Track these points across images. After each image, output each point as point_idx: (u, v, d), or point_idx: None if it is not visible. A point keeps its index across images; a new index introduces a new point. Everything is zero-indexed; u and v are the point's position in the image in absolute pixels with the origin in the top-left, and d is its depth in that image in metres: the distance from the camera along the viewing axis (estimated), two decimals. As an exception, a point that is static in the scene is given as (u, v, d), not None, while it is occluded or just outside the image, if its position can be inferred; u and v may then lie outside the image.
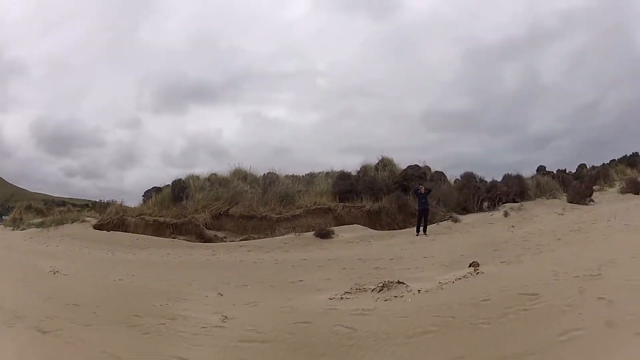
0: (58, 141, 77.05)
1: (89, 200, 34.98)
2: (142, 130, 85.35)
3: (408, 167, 29.71)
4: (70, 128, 79.10)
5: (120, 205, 27.69)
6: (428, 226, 22.33)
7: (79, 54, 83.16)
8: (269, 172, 29.51)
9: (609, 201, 27.59)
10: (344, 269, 14.16)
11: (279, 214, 25.94)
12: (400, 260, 15.04)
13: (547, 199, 28.11)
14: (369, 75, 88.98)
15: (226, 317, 8.56)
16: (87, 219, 26.94)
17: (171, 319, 8.48)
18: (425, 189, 23.18)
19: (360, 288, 10.32)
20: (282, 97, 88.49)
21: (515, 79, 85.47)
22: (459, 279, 10.38)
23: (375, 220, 25.47)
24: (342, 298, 9.70)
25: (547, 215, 23.44)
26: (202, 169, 30.28)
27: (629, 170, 39.67)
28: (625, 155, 45.19)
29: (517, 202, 26.69)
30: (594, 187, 30.05)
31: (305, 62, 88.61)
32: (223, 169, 29.89)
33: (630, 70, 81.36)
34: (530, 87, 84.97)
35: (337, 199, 26.91)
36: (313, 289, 11.17)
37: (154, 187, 30.14)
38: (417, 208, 22.85)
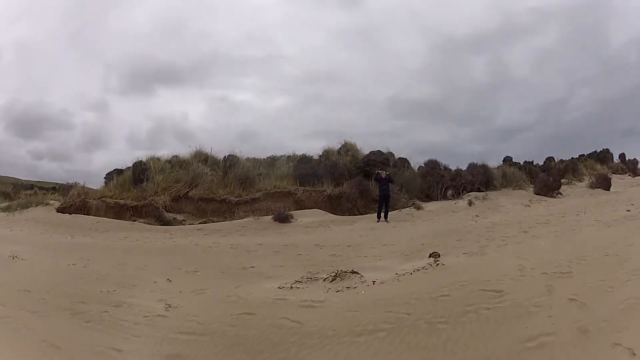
0: (26, 124, 74.53)
1: (57, 183, 33.43)
2: (109, 112, 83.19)
3: (370, 152, 28.86)
4: (39, 111, 76.81)
5: (82, 187, 26.25)
6: (389, 212, 21.59)
7: (47, 37, 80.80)
8: (229, 155, 28.45)
9: (577, 195, 27.17)
10: (299, 255, 13.47)
11: (238, 197, 25.05)
12: (359, 247, 14.28)
13: (513, 189, 27.54)
14: (337, 62, 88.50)
15: (170, 306, 8.24)
16: (51, 202, 26.11)
17: (116, 306, 8.23)
18: (386, 174, 22.31)
19: (313, 277, 9.69)
20: (249, 82, 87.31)
21: (484, 71, 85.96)
22: (418, 270, 9.64)
23: (336, 205, 24.69)
24: (292, 287, 9.15)
25: (513, 206, 22.82)
26: (168, 152, 28.78)
27: (598, 166, 40.22)
28: (595, 151, 44.63)
29: (482, 191, 26.00)
30: (562, 181, 29.53)
31: (273, 47, 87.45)
32: (186, 151, 28.99)
33: (604, 69, 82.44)
34: (498, 80, 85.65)
35: (297, 182, 26.07)
36: (265, 276, 10.62)
37: (116, 169, 29.16)
38: (378, 194, 22.13)
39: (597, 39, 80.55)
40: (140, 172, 25.79)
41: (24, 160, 65.36)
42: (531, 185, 28.32)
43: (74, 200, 24.42)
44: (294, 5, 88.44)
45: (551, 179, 28.03)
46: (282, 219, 21.34)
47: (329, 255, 13.17)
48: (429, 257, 10.64)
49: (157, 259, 13.35)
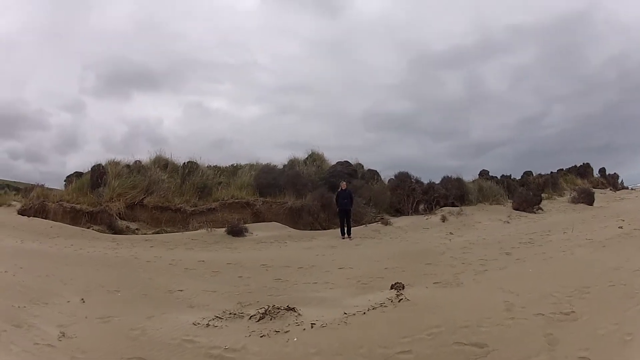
0: (3, 122, 72.34)
1: (30, 185, 31.63)
2: (85, 114, 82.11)
3: (337, 163, 27.23)
4: (16, 108, 74.67)
5: (42, 190, 25.66)
6: (353, 228, 19.59)
7: (25, 35, 78.64)
8: (189, 161, 26.82)
9: (559, 210, 25.64)
10: (239, 277, 11.57)
11: (194, 207, 23.55)
12: (311, 269, 12.31)
13: (490, 204, 25.99)
14: (312, 73, 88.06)
15: (64, 335, 6.79)
16: (14, 203, 25.47)
17: (16, 326, 6.98)
18: (345, 186, 20.35)
19: (239, 312, 7.64)
20: (224, 88, 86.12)
21: (460, 87, 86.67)
22: (374, 307, 7.45)
23: (297, 219, 22.81)
24: (208, 325, 7.13)
25: (491, 223, 21.04)
26: (142, 157, 27.56)
27: (579, 180, 39.57)
28: (575, 166, 43.91)
29: (457, 206, 24.33)
30: (542, 195, 28.19)
31: (248, 54, 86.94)
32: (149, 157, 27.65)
33: (579, 89, 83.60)
34: (473, 96, 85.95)
35: (257, 193, 24.41)
36: (187, 304, 8.94)
37: (76, 172, 28.40)
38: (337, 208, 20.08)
39: (575, 57, 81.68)
40: (98, 176, 24.85)
41: (0, 159, 62.81)
42: (509, 200, 26.85)
43: (33, 203, 23.64)
44: (272, 12, 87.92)
45: (531, 193, 26.62)
46: (236, 232, 19.57)
47: (274, 279, 11.18)
48: (391, 288, 8.46)
49: (87, 272, 11.83)
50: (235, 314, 7.49)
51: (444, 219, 21.58)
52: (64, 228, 20.13)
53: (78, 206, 23.04)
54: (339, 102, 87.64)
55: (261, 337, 6.54)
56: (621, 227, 15.22)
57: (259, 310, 7.37)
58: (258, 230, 20.25)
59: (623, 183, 43.22)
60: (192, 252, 16.07)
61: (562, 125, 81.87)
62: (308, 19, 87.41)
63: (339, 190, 20.06)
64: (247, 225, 20.72)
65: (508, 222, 21.08)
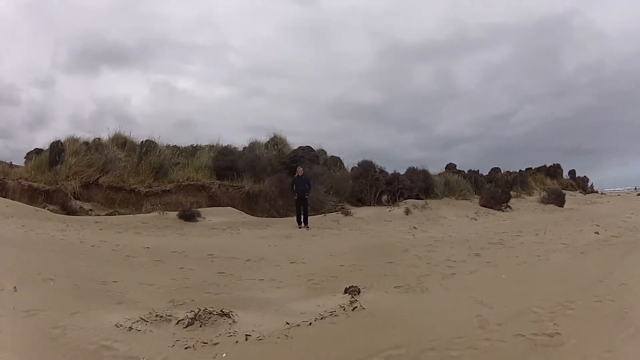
0: None
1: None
2: (54, 90, 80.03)
3: (299, 147, 25.99)
4: None
5: (1, 167, 24.82)
6: (311, 217, 18.63)
7: (1, 8, 75.84)
8: (146, 140, 25.56)
9: (528, 210, 24.92)
10: (180, 269, 10.32)
11: (148, 188, 22.48)
12: (259, 263, 11.07)
13: (457, 199, 25.21)
14: (283, 57, 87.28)
15: None
16: None
17: None
18: (302, 172, 19.24)
19: (167, 314, 6.51)
20: (193, 69, 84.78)
21: (429, 80, 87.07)
22: (322, 317, 6.31)
23: (254, 204, 21.76)
24: (131, 328, 6.07)
25: (457, 219, 20.12)
26: (102, 135, 26.40)
27: (548, 181, 39.32)
28: (545, 165, 43.57)
29: (422, 199, 23.43)
30: (511, 193, 27.25)
31: (220, 36, 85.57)
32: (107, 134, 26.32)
33: (553, 90, 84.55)
34: (443, 90, 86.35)
35: (215, 176, 23.29)
36: (117, 300, 7.69)
37: (36, 149, 27.19)
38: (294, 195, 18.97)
39: (550, 60, 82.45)
40: (56, 153, 23.61)
41: None
42: (476, 196, 26.10)
43: None
44: None
45: (499, 190, 25.92)
46: (188, 216, 18.45)
47: (217, 273, 9.91)
48: (345, 292, 7.34)
49: (29, 256, 10.60)
50: (162, 317, 6.40)
51: (407, 212, 20.64)
52: (19, 207, 18.84)
53: (35, 184, 22.17)
54: (309, 88, 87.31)
55: (186, 348, 5.50)
56: (597, 233, 14.61)
57: (188, 315, 6.28)
58: (212, 215, 19.18)
59: (593, 187, 42.82)
60: (140, 237, 14.96)
61: (531, 125, 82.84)
62: (284, 2, 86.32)
63: (296, 176, 18.97)
64: (200, 209, 19.70)
65: (475, 219, 20.22)
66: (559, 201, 27.00)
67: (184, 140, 28.61)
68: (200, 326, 6.01)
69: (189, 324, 6.06)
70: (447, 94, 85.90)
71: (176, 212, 18.81)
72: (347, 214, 20.05)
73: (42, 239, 13.04)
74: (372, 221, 19.02)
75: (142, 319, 6.31)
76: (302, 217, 17.99)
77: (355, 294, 7.12)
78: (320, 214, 20.04)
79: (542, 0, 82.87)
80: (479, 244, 13.18)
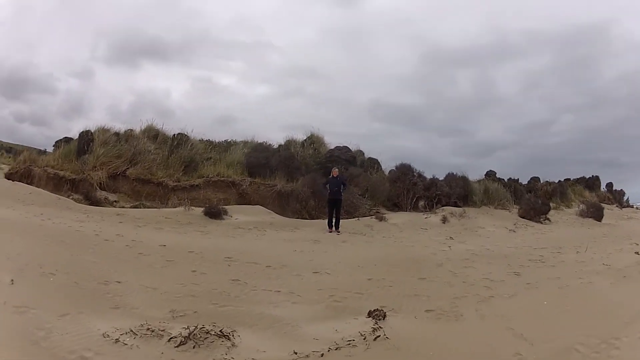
0: (12, 84, 71.79)
1: (34, 149, 30.84)
2: (93, 81, 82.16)
3: (335, 147, 25.17)
4: (25, 72, 73.79)
5: (29, 154, 24.27)
6: (344, 221, 17.75)
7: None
8: (179, 133, 24.95)
9: (566, 223, 23.77)
10: (192, 272, 9.60)
11: (176, 182, 21.88)
12: (280, 271, 10.27)
13: (495, 208, 24.16)
14: (324, 59, 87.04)
15: None
16: (2, 166, 24.91)
17: None
18: (337, 173, 18.25)
19: (157, 330, 5.78)
20: (235, 66, 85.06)
21: (470, 86, 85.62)
22: (337, 348, 5.56)
23: (285, 204, 21.05)
24: (117, 341, 5.48)
25: (495, 230, 19.11)
26: (134, 127, 26.09)
27: (587, 193, 38.00)
28: (584, 177, 42.11)
29: (460, 206, 22.50)
30: (550, 205, 26.03)
31: (262, 35, 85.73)
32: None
33: (590, 101, 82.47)
34: (483, 96, 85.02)
35: (247, 173, 22.56)
36: (114, 303, 7.13)
37: (65, 137, 26.94)
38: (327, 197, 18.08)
39: (588, 70, 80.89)
40: (85, 142, 23.15)
41: (6, 121, 61.96)
42: (515, 206, 24.97)
43: (19, 167, 22.75)
44: None
45: (539, 201, 24.70)
46: (214, 213, 17.73)
47: (231, 280, 9.14)
48: (369, 315, 6.55)
49: (37, 247, 10.01)
50: (153, 331, 5.74)
51: (444, 220, 19.77)
52: (42, 195, 18.44)
53: (61, 173, 21.77)
54: (348, 90, 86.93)
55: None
56: (638, 253, 13.50)
57: (182, 332, 5.60)
58: (239, 214, 18.49)
59: (629, 200, 41.59)
60: (159, 233, 14.26)
61: (568, 135, 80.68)
62: (325, 4, 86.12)
63: (330, 177, 18.06)
64: (228, 207, 19.01)
65: (514, 231, 19.19)
66: (598, 215, 25.80)
67: (222, 136, 28.01)
68: (194, 347, 5.37)
69: (181, 343, 5.42)
70: (486, 101, 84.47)
71: (202, 209, 18.23)
72: (381, 219, 19.25)
73: (57, 229, 12.52)
74: (406, 228, 18.20)
75: (132, 331, 5.72)
76: (333, 220, 17.20)
77: (379, 319, 6.36)
78: (353, 217, 19.32)
79: (580, 9, 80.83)
80: (518, 260, 12.30)
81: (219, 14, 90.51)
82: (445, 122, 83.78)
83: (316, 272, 10.06)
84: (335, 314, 7.05)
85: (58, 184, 21.16)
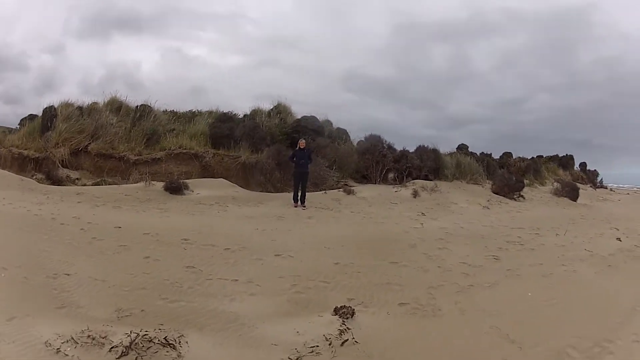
0: None
1: (6, 128, 29.27)
2: (65, 56, 79.71)
3: (302, 117, 23.96)
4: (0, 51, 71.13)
5: None
6: (310, 194, 17.01)
7: None
8: (141, 104, 23.83)
9: (541, 202, 23.10)
10: (145, 258, 8.76)
11: (138, 155, 20.98)
12: (240, 254, 9.33)
13: (468, 183, 23.46)
14: (298, 30, 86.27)
15: None
16: None
17: None
18: (305, 145, 17.25)
19: (98, 338, 5.02)
20: (206, 37, 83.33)
21: (444, 60, 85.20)
22: (298, 358, 4.67)
23: (250, 177, 20.19)
24: (58, 351, 4.82)
25: (469, 206, 18.33)
26: (99, 99, 25.15)
27: (561, 171, 37.95)
28: (557, 155, 41.62)
29: (431, 180, 21.73)
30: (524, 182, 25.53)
31: (236, 5, 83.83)
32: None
33: (567, 82, 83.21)
34: (457, 72, 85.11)
35: (211, 144, 21.61)
36: (61, 302, 6.50)
37: (30, 115, 25.98)
38: (293, 170, 17.25)
39: (565, 52, 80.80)
40: (49, 119, 22.48)
41: None
42: (488, 182, 24.29)
43: None
44: None
45: (513, 177, 23.93)
46: (174, 189, 16.82)
47: (185, 267, 8.28)
48: (335, 312, 5.72)
49: None
50: (94, 339, 5.02)
51: (415, 194, 18.92)
52: (5, 178, 17.51)
53: (25, 152, 21.29)
54: (323, 61, 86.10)
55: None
56: (620, 240, 13.12)
57: (123, 341, 4.84)
58: (201, 188, 17.60)
59: (602, 181, 41.42)
60: (117, 212, 13.49)
61: (543, 114, 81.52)
62: None
63: (297, 148, 17.07)
64: (190, 181, 18.09)
65: (488, 208, 18.44)
66: (573, 195, 25.13)
67: (192, 107, 26.90)
68: (136, 359, 4.59)
69: (122, 354, 4.67)
70: (461, 76, 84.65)
71: (163, 184, 17.36)
72: (349, 192, 18.41)
73: (16, 215, 11.94)
74: (376, 203, 17.39)
75: (73, 338, 5.02)
76: (299, 194, 16.39)
77: (347, 317, 5.54)
78: (320, 190, 18.55)
79: None
80: (496, 242, 11.62)
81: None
82: (419, 95, 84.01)
83: (278, 255, 9.22)
84: (298, 309, 6.23)
85: (22, 164, 20.61)
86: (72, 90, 78.41)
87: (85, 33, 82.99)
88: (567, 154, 42.06)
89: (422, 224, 13.62)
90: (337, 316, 5.58)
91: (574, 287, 8.06)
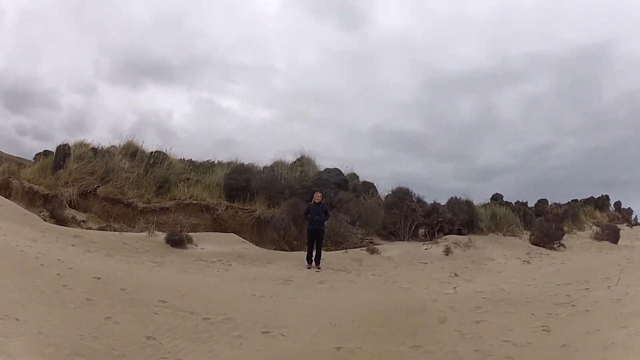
0: (15, 97, 71.66)
1: (25, 160, 30.22)
2: (96, 98, 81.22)
3: (325, 170, 22.69)
4: (29, 85, 73.45)
5: (9, 166, 23.29)
6: (329, 253, 15.66)
7: (50, 7, 76.89)
8: (156, 151, 23.23)
9: (582, 248, 21.60)
10: (106, 319, 7.38)
11: (146, 203, 20.01)
12: (218, 326, 7.62)
13: (504, 235, 21.75)
14: (326, 83, 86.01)
15: None
16: None
17: None
18: (320, 198, 15.48)
19: None
20: (237, 89, 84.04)
21: (471, 111, 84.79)
22: None
23: (264, 233, 18.74)
24: None
25: (507, 261, 16.59)
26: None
27: (597, 213, 36.95)
28: (592, 197, 40.49)
29: (464, 234, 20.22)
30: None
31: (265, 58, 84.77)
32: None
33: (593, 122, 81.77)
34: (484, 121, 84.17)
35: (225, 196, 20.47)
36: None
37: (45, 151, 25.79)
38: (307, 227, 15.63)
39: (588, 91, 79.87)
40: (62, 157, 22.03)
41: (8, 133, 61.18)
42: (525, 232, 22.75)
43: None
44: (293, 19, 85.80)
45: (553, 226, 22.35)
46: (176, 241, 15.87)
47: (145, 337, 6.69)
48: None
49: None
50: None
51: (447, 252, 17.36)
52: (11, 209, 17.08)
53: (36, 187, 20.68)
54: (351, 115, 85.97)
55: None
56: None
57: None
58: (207, 242, 16.29)
59: (637, 219, 40.32)
60: (105, 260, 12.63)
61: (570, 157, 79.82)
62: (329, 29, 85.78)
63: (311, 203, 15.39)
64: (195, 234, 16.87)
65: (529, 262, 16.60)
66: (614, 237, 23.68)
67: (217, 158, 25.95)
68: None
69: None
70: (488, 125, 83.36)
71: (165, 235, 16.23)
72: (373, 251, 16.78)
73: (1, 247, 11.12)
74: (402, 263, 15.76)
75: None
76: (314, 254, 14.62)
77: None
78: (341, 248, 17.02)
79: (580, 30, 79.87)
80: (543, 305, 9.59)
81: (222, 36, 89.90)
82: (447, 147, 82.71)
83: (266, 332, 7.40)
84: None
85: (32, 199, 20.11)
86: (103, 134, 79.34)
87: (117, 77, 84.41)
88: (602, 195, 41.14)
89: (454, 288, 11.72)
90: None
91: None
